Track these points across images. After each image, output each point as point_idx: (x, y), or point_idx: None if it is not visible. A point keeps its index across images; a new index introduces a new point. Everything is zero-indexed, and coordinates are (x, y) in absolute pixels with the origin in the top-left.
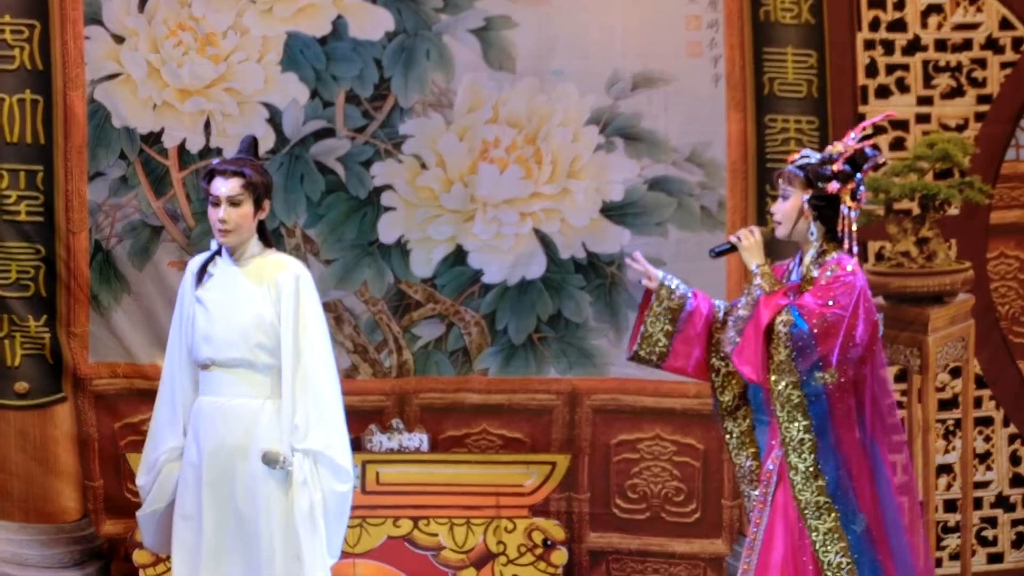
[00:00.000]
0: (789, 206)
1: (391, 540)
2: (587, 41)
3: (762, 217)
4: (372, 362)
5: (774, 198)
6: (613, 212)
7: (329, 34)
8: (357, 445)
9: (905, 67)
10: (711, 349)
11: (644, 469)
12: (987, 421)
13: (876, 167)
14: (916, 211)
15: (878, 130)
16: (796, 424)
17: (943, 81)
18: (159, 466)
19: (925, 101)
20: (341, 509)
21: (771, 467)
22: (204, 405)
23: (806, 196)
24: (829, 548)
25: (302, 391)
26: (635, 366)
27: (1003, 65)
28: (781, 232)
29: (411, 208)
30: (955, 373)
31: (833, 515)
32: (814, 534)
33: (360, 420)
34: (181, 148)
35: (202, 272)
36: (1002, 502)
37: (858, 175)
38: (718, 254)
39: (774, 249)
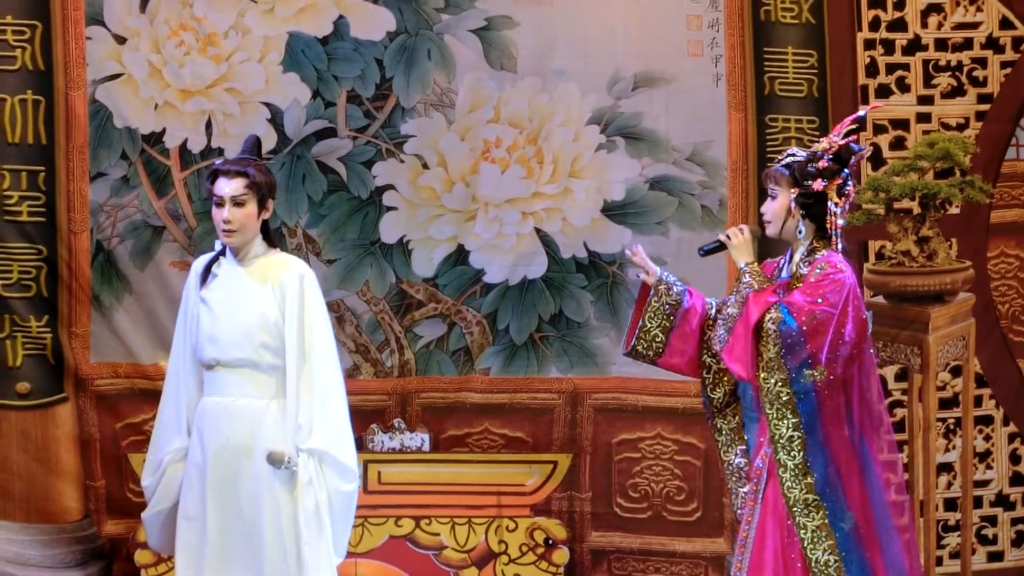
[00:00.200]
0: (777, 205)
1: (393, 540)
2: (588, 41)
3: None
4: (374, 362)
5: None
6: (614, 211)
7: (330, 34)
8: (359, 445)
9: (905, 67)
10: (703, 346)
11: (646, 468)
12: (987, 420)
13: (861, 160)
14: (917, 210)
15: (878, 129)
16: (785, 421)
17: (943, 80)
18: (164, 467)
19: (926, 100)
20: (347, 508)
21: (761, 464)
22: (209, 405)
23: (793, 194)
24: (817, 545)
25: (307, 391)
26: (636, 365)
27: (1003, 64)
28: (771, 231)
29: (413, 208)
30: (955, 372)
31: (821, 512)
32: (802, 531)
33: (362, 420)
34: (183, 148)
35: (206, 272)
36: (1002, 501)
37: (845, 171)
38: (707, 252)
39: (767, 248)
